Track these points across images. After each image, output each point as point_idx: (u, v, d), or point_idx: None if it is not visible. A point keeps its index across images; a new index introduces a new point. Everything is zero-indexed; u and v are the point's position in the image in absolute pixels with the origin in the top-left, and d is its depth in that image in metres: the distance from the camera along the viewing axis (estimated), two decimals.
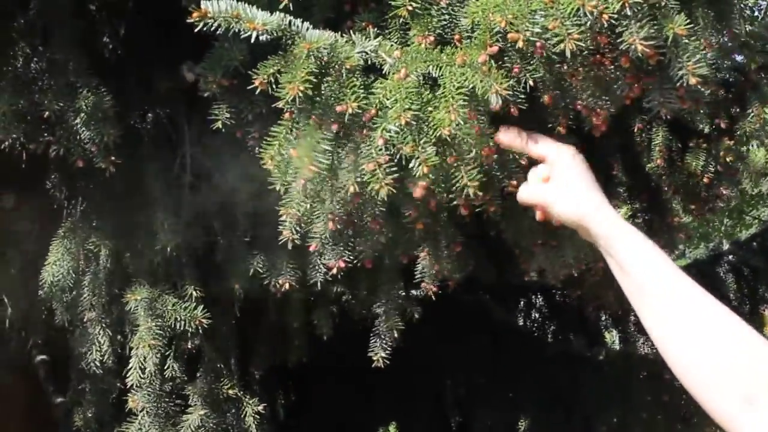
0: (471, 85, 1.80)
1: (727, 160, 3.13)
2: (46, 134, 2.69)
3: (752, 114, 3.03)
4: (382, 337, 2.63)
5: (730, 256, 4.85)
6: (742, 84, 3.16)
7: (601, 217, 1.51)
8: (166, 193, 2.83)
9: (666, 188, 3.39)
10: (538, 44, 1.81)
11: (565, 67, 1.92)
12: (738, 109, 3.18)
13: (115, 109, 2.62)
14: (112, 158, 2.57)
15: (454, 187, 1.91)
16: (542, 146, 1.72)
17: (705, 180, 3.18)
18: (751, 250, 4.91)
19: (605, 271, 1.70)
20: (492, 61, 1.82)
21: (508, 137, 1.80)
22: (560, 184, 1.61)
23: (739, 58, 3.34)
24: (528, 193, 1.73)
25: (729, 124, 3.08)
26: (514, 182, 2.00)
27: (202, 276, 2.93)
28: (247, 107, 2.26)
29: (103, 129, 2.56)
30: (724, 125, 3.01)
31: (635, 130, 3.19)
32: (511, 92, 1.80)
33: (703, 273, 4.86)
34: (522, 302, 5.02)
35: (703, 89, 2.07)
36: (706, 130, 3.15)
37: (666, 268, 1.37)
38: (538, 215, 1.76)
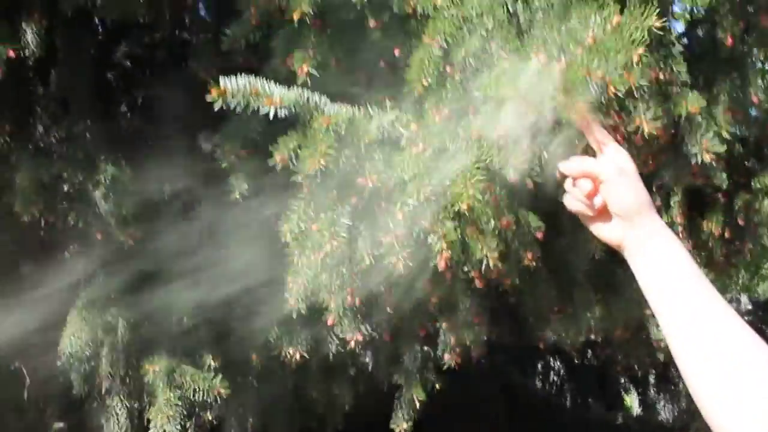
0: (487, 159, 1.81)
1: (746, 215, 3.10)
2: (65, 206, 2.71)
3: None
4: (404, 407, 2.61)
5: (749, 317, 4.80)
6: (759, 138, 3.13)
7: (654, 215, 1.44)
8: (184, 263, 2.83)
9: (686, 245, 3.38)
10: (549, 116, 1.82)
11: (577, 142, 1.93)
12: (756, 164, 3.14)
13: (134, 181, 2.64)
14: (130, 231, 2.58)
15: (473, 258, 1.90)
16: (607, 137, 1.58)
17: (726, 235, 3.15)
18: None
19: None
20: (507, 135, 1.83)
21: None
22: (622, 172, 1.49)
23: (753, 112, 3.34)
24: (584, 164, 1.43)
25: (746, 178, 3.05)
26: (530, 254, 2.00)
27: (220, 346, 2.92)
28: (264, 179, 2.28)
29: (122, 201, 2.57)
30: (742, 180, 2.98)
31: (653, 189, 3.19)
32: (527, 165, 1.81)
33: None
34: (540, 365, 4.98)
35: (717, 166, 2.08)
36: (725, 186, 3.13)
37: (705, 287, 1.33)
38: (597, 200, 1.42)
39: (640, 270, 1.36)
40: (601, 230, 1.41)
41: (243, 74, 2.31)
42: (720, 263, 3.33)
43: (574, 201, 1.42)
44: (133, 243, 2.63)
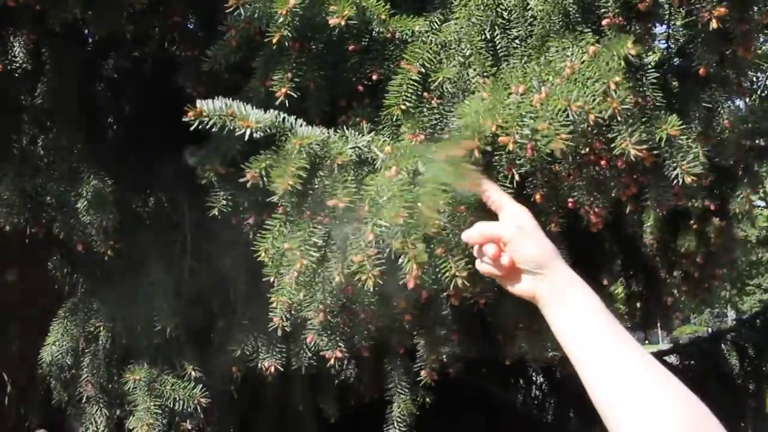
0: (451, 181, 1.85)
1: (717, 241, 3.14)
2: (47, 217, 2.75)
3: (741, 196, 3.06)
4: (396, 425, 2.66)
5: (733, 334, 4.83)
6: (733, 165, 3.17)
7: (562, 264, 1.50)
8: (166, 275, 2.88)
9: (661, 269, 3.42)
10: (529, 145, 1.86)
11: (557, 167, 1.97)
12: (728, 190, 3.18)
13: (115, 194, 2.67)
14: (111, 243, 2.62)
15: (444, 278, 1.94)
16: (503, 196, 1.64)
17: (698, 260, 3.20)
18: (754, 328, 4.88)
19: None
20: (470, 156, 1.87)
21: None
22: (522, 230, 1.54)
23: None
24: (483, 228, 1.48)
25: (718, 205, 3.10)
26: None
27: (201, 356, 2.96)
28: (244, 195, 2.32)
29: (103, 214, 2.61)
30: (714, 207, 3.03)
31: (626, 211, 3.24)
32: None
33: (705, 351, 4.84)
34: (521, 379, 5.00)
35: (697, 186, 2.12)
36: (698, 210, 3.17)
37: (617, 335, 1.39)
38: (504, 258, 1.46)
39: (556, 319, 1.41)
40: (513, 286, 1.46)
41: (225, 92, 2.36)
42: (694, 287, 3.37)
43: (483, 265, 1.48)
44: (114, 254, 2.66)
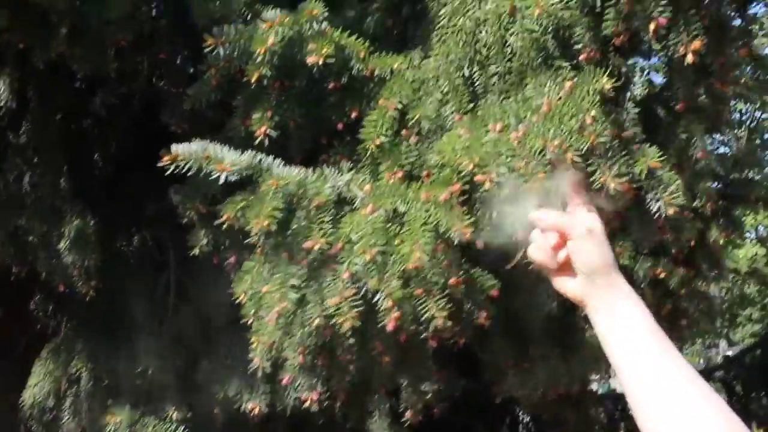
0: (435, 222, 1.84)
1: (682, 293, 3.11)
2: (31, 256, 2.73)
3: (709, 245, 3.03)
4: None
5: (722, 371, 4.81)
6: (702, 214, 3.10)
7: (618, 276, 1.47)
8: (149, 315, 2.85)
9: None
10: (507, 183, 1.85)
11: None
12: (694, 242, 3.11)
13: (99, 233, 2.65)
14: (93, 283, 2.60)
15: (423, 318, 1.92)
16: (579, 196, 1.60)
17: (664, 312, 3.16)
18: (742, 365, 4.87)
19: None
20: (455, 198, 1.86)
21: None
22: (590, 233, 1.50)
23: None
24: (555, 217, 1.45)
25: (686, 259, 3.06)
26: (484, 314, 2.02)
27: (183, 398, 2.92)
28: (224, 235, 2.29)
29: (85, 254, 2.59)
30: (682, 258, 2.99)
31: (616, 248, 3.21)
32: (473, 228, 1.83)
33: None
34: (508, 419, 4.93)
35: (682, 218, 2.10)
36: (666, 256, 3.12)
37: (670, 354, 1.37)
38: (561, 254, 1.44)
39: (604, 329, 1.38)
40: (563, 284, 1.43)
41: (209, 129, 2.36)
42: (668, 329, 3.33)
43: (538, 251, 1.43)
44: (96, 294, 2.63)
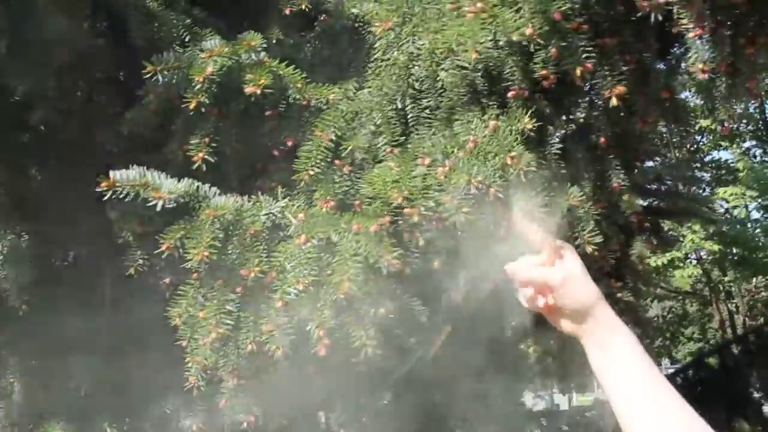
0: (365, 253, 1.90)
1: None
2: None
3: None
4: None
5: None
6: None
7: (604, 310, 1.53)
8: (83, 330, 2.85)
9: None
10: (434, 216, 1.93)
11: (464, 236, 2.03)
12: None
13: (33, 249, 2.66)
14: (26, 298, 2.60)
15: (354, 346, 1.98)
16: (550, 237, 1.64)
17: None
18: (687, 380, 5.00)
19: None
20: (384, 230, 1.93)
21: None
22: (566, 268, 1.55)
23: None
24: (530, 272, 1.51)
25: (611, 271, 3.12)
26: (413, 339, 2.09)
27: (118, 414, 2.93)
28: (159, 256, 2.32)
29: (18, 269, 2.60)
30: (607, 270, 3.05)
31: None
32: (400, 260, 1.90)
33: None
34: None
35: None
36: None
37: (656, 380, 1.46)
38: (539, 302, 1.51)
39: (597, 366, 1.47)
40: (557, 323, 1.51)
41: (146, 150, 2.39)
42: None
43: (523, 300, 1.50)
44: (29, 309, 2.64)
